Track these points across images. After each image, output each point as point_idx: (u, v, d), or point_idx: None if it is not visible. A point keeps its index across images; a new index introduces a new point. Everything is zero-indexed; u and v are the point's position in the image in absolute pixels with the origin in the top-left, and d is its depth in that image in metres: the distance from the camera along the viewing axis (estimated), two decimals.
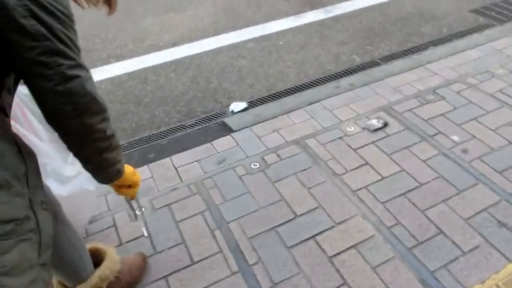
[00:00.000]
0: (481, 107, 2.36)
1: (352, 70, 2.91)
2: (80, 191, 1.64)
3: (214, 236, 1.83)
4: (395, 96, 2.53)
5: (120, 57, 3.48)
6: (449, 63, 2.80)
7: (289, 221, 1.85)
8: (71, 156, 1.19)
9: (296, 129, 2.38)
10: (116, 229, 1.91)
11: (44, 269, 0.97)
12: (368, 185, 1.97)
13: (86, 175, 1.14)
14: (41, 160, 1.08)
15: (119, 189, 1.31)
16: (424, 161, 2.06)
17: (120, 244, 1.84)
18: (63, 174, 1.58)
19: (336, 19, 3.72)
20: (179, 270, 1.71)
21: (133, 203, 1.54)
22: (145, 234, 1.78)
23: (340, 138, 2.27)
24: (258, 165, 2.16)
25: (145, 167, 2.26)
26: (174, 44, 3.59)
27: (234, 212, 1.92)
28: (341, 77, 2.84)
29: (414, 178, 1.98)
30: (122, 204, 1.93)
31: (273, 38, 3.51)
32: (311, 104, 2.57)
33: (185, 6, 4.23)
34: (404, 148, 2.15)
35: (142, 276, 1.70)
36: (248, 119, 2.52)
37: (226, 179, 2.11)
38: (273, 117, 2.50)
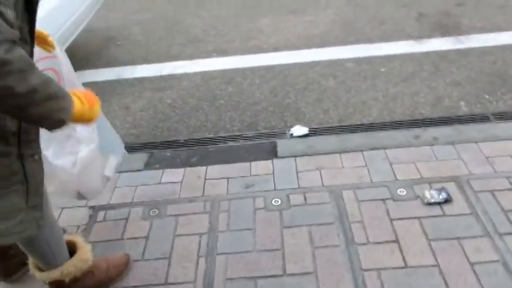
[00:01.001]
0: None
1: (448, 120, 2.43)
2: (88, 162, 1.65)
3: (197, 263, 1.79)
4: (481, 167, 2.02)
5: (222, 53, 3.62)
6: None
7: (274, 276, 1.68)
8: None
9: (341, 174, 2.12)
10: (126, 223, 2.03)
11: (35, 210, 1.10)
12: (382, 269, 1.64)
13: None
14: None
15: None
16: (472, 264, 1.60)
17: (121, 239, 1.95)
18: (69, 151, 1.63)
19: (465, 53, 3.13)
20: (150, 285, 1.73)
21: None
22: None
23: (384, 200, 1.93)
24: (279, 203, 2.01)
25: (182, 169, 2.33)
26: (275, 49, 3.56)
27: (229, 244, 1.84)
28: (428, 126, 2.39)
29: (445, 281, 1.56)
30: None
31: (377, 62, 3.16)
32: (374, 149, 2.25)
33: (306, 11, 4.14)
34: (455, 238, 1.70)
35: (119, 277, 1.77)
36: (299, 147, 2.35)
37: (242, 207, 2.02)
38: (325, 153, 2.27)
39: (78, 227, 2.05)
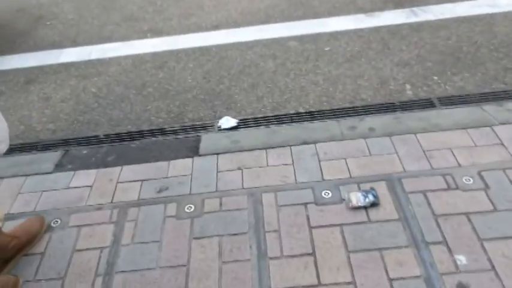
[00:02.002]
0: None
1: (389, 107, 2.24)
2: None
3: (93, 284, 1.60)
4: (417, 163, 1.84)
5: (157, 33, 3.33)
6: None
7: None
8: None
9: (264, 173, 1.93)
10: None
11: None
12: (294, 287, 1.47)
13: None
14: None
15: None
16: (391, 280, 1.44)
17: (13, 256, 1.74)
18: None
19: (418, 27, 2.91)
20: None
21: None
22: None
23: (306, 204, 1.75)
24: (192, 209, 1.82)
25: (94, 171, 2.11)
26: (215, 27, 3.29)
27: (130, 261, 1.65)
28: (367, 114, 2.20)
29: None
30: None
31: (323, 40, 2.92)
32: (304, 143, 2.05)
33: None
34: (376, 249, 1.54)
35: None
36: (223, 143, 2.14)
37: (151, 215, 1.83)
38: (250, 149, 2.07)
39: None
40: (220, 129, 2.28)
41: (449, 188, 1.70)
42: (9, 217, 1.90)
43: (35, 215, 1.89)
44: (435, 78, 2.45)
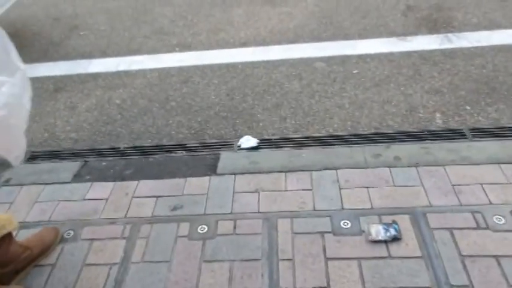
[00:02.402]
0: None
1: (417, 136, 2.15)
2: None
3: None
4: (444, 198, 1.75)
5: (185, 47, 3.37)
6: None
7: None
8: None
9: (281, 198, 1.87)
10: None
11: None
12: None
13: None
14: None
15: None
16: None
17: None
18: None
19: (451, 54, 2.82)
20: None
21: None
22: None
23: (322, 233, 1.68)
24: (205, 230, 1.78)
25: (111, 183, 2.11)
26: (243, 44, 3.29)
27: (139, 280, 1.63)
28: (393, 141, 2.12)
29: None
30: None
31: (351, 62, 2.87)
32: (325, 169, 1.99)
33: (286, 0, 3.84)
34: None
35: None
36: (242, 163, 2.10)
37: (163, 233, 1.80)
38: (268, 172, 2.03)
39: None
40: (240, 149, 2.25)
41: (478, 227, 1.59)
42: (24, 225, 1.92)
43: (50, 225, 1.90)
44: (468, 108, 2.35)
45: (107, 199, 2.02)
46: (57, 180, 2.17)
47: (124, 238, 1.81)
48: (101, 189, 2.08)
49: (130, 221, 1.88)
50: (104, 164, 2.28)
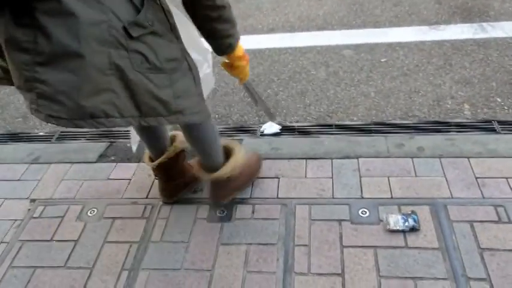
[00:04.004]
0: None
1: (443, 127, 2.12)
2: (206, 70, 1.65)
3: (118, 277, 1.66)
4: (466, 190, 1.73)
5: None
6: None
7: None
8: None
9: (301, 184, 1.90)
10: (61, 222, 1.92)
11: (202, 98, 1.38)
12: None
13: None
14: None
15: (226, 66, 1.55)
16: None
17: (50, 240, 1.85)
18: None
19: (485, 44, 2.74)
20: None
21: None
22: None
23: (340, 221, 1.70)
24: (223, 214, 1.83)
25: (135, 164, 2.20)
26: (271, 30, 3.31)
27: (157, 258, 1.70)
28: (418, 132, 2.11)
29: None
30: None
31: (380, 51, 2.84)
32: (346, 157, 2.00)
33: None
34: (411, 277, 1.46)
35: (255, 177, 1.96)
36: (263, 149, 2.13)
37: (182, 215, 1.87)
38: (289, 158, 2.05)
39: (14, 221, 1.97)
40: (262, 134, 2.28)
41: (500, 221, 1.58)
42: (50, 202, 2.02)
43: (75, 202, 2.00)
44: (498, 100, 2.29)
45: (130, 180, 2.10)
46: (83, 160, 2.27)
47: (145, 218, 1.88)
48: (124, 170, 2.17)
49: (152, 202, 1.95)
50: (129, 145, 2.36)
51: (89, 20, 1.04)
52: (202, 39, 1.43)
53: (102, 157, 2.28)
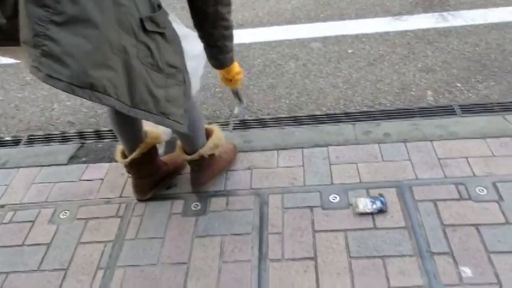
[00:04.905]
0: None
1: (407, 113, 2.22)
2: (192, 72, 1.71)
3: (94, 277, 1.67)
4: (431, 172, 1.83)
5: None
6: None
7: None
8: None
9: (273, 175, 1.96)
10: (32, 226, 1.92)
11: (186, 113, 1.44)
12: None
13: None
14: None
15: (224, 79, 1.78)
16: None
17: (21, 245, 1.84)
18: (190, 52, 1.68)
19: (446, 32, 2.87)
20: None
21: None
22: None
23: (312, 208, 1.77)
24: (198, 207, 1.87)
25: (107, 164, 2.20)
26: (240, 25, 3.35)
27: (132, 256, 1.72)
28: (384, 118, 2.20)
29: None
30: None
31: (347, 42, 2.93)
32: (316, 146, 2.07)
33: None
34: (379, 256, 1.54)
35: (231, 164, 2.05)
36: (236, 142, 2.17)
37: (157, 211, 1.89)
38: (262, 150, 2.11)
39: None
40: (232, 130, 2.33)
41: (461, 198, 1.68)
42: (21, 207, 2.01)
43: (47, 206, 1.99)
44: (459, 85, 2.42)
45: (102, 179, 2.11)
46: (53, 162, 2.26)
47: (119, 217, 1.90)
48: (97, 170, 2.18)
49: (125, 200, 1.97)
50: (100, 145, 2.37)
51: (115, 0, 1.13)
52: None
53: (73, 159, 2.29)
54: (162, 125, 1.44)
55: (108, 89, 1.18)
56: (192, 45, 1.67)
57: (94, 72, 1.14)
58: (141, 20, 1.20)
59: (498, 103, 2.20)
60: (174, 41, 1.35)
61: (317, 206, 1.77)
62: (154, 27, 1.24)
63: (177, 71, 1.36)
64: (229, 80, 1.78)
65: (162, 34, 1.28)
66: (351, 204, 1.74)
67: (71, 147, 2.37)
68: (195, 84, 1.82)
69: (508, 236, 1.52)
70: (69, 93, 1.14)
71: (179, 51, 1.38)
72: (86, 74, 1.13)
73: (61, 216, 1.95)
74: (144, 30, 1.21)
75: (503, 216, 1.59)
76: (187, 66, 1.46)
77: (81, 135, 2.49)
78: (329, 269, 1.54)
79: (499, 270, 1.43)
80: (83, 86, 1.15)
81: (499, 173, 1.76)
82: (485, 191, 1.69)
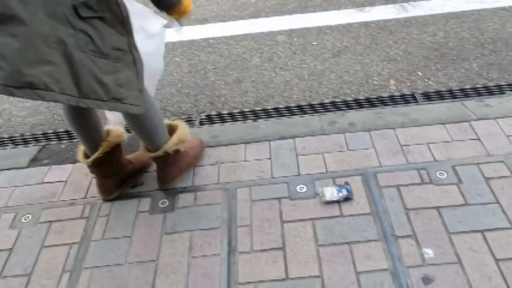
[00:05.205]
0: (506, 216, 1.59)
1: (371, 102, 2.27)
2: (155, 52, 1.73)
3: (59, 280, 1.64)
4: (394, 158, 1.88)
5: None
6: None
7: None
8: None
9: (241, 168, 1.97)
10: None
11: (141, 93, 1.41)
12: (260, 281, 1.51)
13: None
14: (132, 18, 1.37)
15: (176, 15, 1.62)
16: (358, 274, 1.48)
17: None
18: (149, 31, 1.69)
19: (406, 22, 2.95)
20: None
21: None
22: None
23: (279, 199, 1.79)
24: (166, 204, 1.86)
25: (70, 165, 2.15)
26: (205, 20, 3.34)
27: (99, 256, 1.69)
28: (349, 108, 2.24)
29: None
30: None
31: (312, 34, 2.97)
32: (283, 138, 2.09)
33: None
34: (346, 243, 1.57)
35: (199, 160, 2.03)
36: (203, 138, 2.16)
37: (124, 210, 1.87)
38: (229, 144, 2.11)
39: None
40: (201, 125, 2.32)
41: (422, 183, 1.74)
42: None
43: (7, 210, 1.93)
44: (419, 73, 2.49)
45: (66, 181, 2.06)
46: (13, 166, 2.19)
47: (84, 218, 1.86)
48: (59, 172, 2.12)
49: (91, 201, 1.93)
50: (62, 146, 2.31)
51: None
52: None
53: (34, 161, 2.22)
54: (116, 111, 1.44)
55: (50, 85, 1.15)
56: (151, 23, 1.65)
57: (30, 70, 1.10)
58: (75, 7, 1.15)
59: (457, 90, 2.28)
60: (118, 24, 1.29)
61: (285, 197, 1.79)
62: (90, 13, 1.20)
63: (124, 53, 1.32)
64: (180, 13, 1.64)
65: (101, 18, 1.24)
66: (318, 194, 1.77)
67: (31, 150, 2.31)
68: (159, 64, 1.80)
69: (467, 217, 1.59)
70: (8, 95, 1.12)
71: (127, 31, 1.33)
72: (21, 73, 1.11)
73: (23, 220, 1.89)
74: (80, 17, 1.17)
75: (463, 198, 1.65)
76: (148, 45, 1.45)
77: (42, 136, 2.42)
78: (297, 258, 1.56)
79: (459, 250, 1.48)
80: (21, 85, 1.12)
81: (458, 157, 1.83)
82: (445, 174, 1.75)
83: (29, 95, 1.13)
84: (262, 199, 1.80)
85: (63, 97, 1.19)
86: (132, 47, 1.35)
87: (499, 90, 2.24)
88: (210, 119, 2.36)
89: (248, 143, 2.10)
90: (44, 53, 1.13)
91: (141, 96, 1.41)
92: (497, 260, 1.45)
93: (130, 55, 1.34)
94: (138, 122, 1.68)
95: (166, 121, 1.88)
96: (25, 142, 2.39)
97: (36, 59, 1.12)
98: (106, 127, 1.87)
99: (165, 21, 1.71)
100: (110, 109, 1.34)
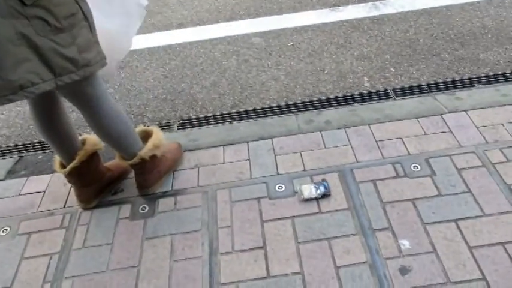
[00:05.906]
0: (478, 204, 1.64)
1: (346, 100, 2.32)
2: (119, 30, 1.67)
3: None
4: (369, 154, 1.92)
5: None
6: (486, 118, 2.01)
7: None
8: None
9: (220, 171, 1.98)
10: None
11: (98, 44, 1.44)
12: (242, 281, 1.52)
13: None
14: None
15: None
16: (338, 268, 1.50)
17: None
18: (108, 9, 1.64)
19: (378, 20, 3.01)
20: None
21: None
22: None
23: (259, 199, 1.81)
24: (146, 210, 1.86)
25: (48, 176, 2.13)
26: (180, 25, 3.34)
27: (80, 265, 1.68)
28: (325, 107, 2.28)
29: None
30: None
31: (286, 35, 3.00)
32: (261, 139, 2.11)
33: None
34: (325, 239, 1.60)
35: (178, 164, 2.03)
36: (181, 142, 2.17)
37: (104, 217, 1.86)
38: (207, 147, 2.12)
39: None
40: (178, 130, 2.33)
41: (397, 176, 1.78)
42: None
43: None
44: (392, 70, 2.55)
45: (44, 192, 2.04)
46: None
47: (64, 227, 1.85)
48: (37, 183, 2.10)
49: (70, 211, 1.92)
50: (39, 157, 2.29)
51: None
52: None
53: (11, 173, 2.19)
54: (88, 76, 1.45)
55: (34, 79, 1.23)
56: (124, 1, 1.65)
57: (14, 74, 1.17)
58: None
59: (428, 84, 2.34)
60: None
61: (264, 197, 1.81)
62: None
63: (75, 15, 1.34)
64: None
65: None
66: (296, 192, 1.80)
67: (7, 162, 2.28)
68: (127, 44, 1.78)
69: (441, 207, 1.63)
70: (7, 103, 1.21)
71: None
72: (9, 81, 1.18)
73: (1, 233, 1.87)
74: (25, 5, 1.20)
75: (436, 189, 1.70)
76: (116, 24, 1.50)
77: (18, 148, 2.39)
78: (278, 256, 1.58)
79: (434, 239, 1.53)
80: (15, 91, 1.21)
81: (431, 150, 1.88)
82: (419, 167, 1.80)
83: (24, 96, 1.23)
84: (242, 200, 1.82)
85: (45, 85, 1.28)
86: (79, 2, 1.36)
87: (470, 82, 2.31)
88: (188, 123, 2.37)
89: (227, 145, 2.12)
90: (16, 53, 1.18)
91: (99, 47, 1.45)
92: (470, 248, 1.50)
93: (80, 12, 1.36)
94: (103, 131, 1.69)
95: (142, 127, 1.89)
96: (1, 154, 2.36)
97: (13, 62, 1.19)
98: (82, 136, 1.86)
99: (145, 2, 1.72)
100: (83, 77, 1.39)
